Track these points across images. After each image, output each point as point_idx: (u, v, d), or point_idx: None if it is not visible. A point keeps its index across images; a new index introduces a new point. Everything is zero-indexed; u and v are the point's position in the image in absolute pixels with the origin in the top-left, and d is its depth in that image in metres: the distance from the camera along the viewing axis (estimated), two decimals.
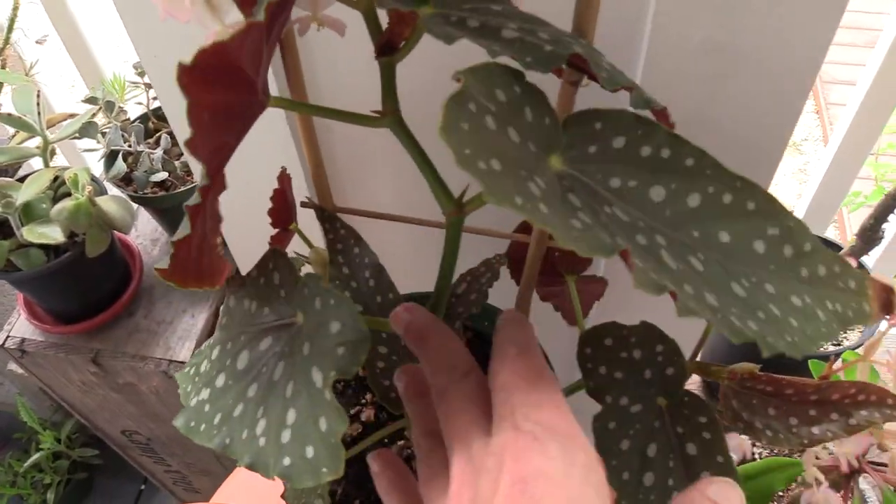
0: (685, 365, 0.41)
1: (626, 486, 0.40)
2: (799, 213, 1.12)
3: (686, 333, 0.44)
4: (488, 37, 0.27)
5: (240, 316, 0.40)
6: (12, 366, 1.13)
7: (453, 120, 0.24)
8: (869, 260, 1.02)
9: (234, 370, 0.39)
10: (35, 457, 1.44)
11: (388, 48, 0.30)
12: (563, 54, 0.28)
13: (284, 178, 0.47)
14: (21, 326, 1.01)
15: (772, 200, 0.33)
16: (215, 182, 0.27)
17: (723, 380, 0.43)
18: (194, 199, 0.27)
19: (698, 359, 0.46)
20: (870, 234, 0.80)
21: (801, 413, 0.43)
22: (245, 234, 0.62)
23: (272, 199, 0.46)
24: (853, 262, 0.83)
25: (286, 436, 0.32)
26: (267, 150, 0.55)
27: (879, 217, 0.77)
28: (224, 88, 0.23)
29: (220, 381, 0.40)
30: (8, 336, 1.00)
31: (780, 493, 0.87)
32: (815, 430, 0.43)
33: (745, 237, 0.32)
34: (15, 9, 0.96)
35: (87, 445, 1.52)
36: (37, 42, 1.19)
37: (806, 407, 0.43)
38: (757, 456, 0.82)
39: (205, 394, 0.40)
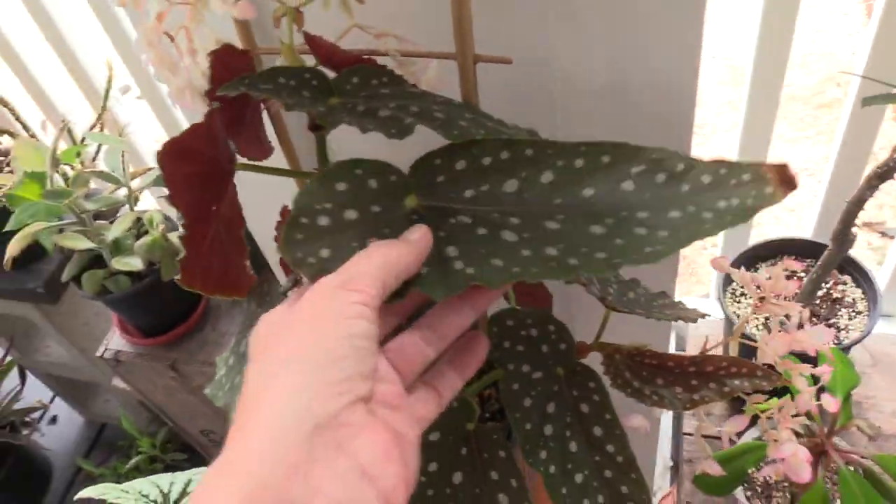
0: (573, 342, 0.52)
1: (529, 434, 0.50)
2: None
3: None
4: (368, 117, 0.40)
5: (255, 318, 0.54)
6: (116, 381, 1.33)
7: (288, 238, 0.34)
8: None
9: (238, 353, 0.53)
10: (134, 460, 1.63)
11: (316, 127, 0.43)
12: (414, 124, 0.39)
13: (285, 211, 0.61)
14: (116, 341, 1.20)
15: (624, 147, 0.39)
16: (194, 226, 0.41)
17: (616, 355, 0.53)
18: (184, 232, 0.41)
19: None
20: (842, 238, 0.87)
21: (684, 383, 0.52)
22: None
23: (280, 214, 0.58)
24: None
25: None
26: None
27: (847, 221, 0.85)
28: (188, 163, 0.37)
29: (231, 361, 0.55)
30: (106, 349, 1.20)
31: (751, 472, 0.94)
32: (696, 396, 0.53)
33: (609, 184, 0.38)
34: (109, 80, 1.16)
35: (178, 451, 1.72)
36: (119, 90, 1.38)
37: (688, 377, 0.52)
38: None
39: (222, 371, 0.54)
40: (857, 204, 0.81)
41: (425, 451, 0.52)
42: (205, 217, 0.42)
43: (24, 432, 1.74)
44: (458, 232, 0.38)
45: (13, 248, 0.96)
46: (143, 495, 0.66)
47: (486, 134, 0.41)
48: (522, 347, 0.51)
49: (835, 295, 1.05)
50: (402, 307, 0.37)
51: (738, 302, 1.07)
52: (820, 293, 1.05)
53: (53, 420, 1.84)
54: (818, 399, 0.52)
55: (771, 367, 0.50)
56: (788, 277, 1.03)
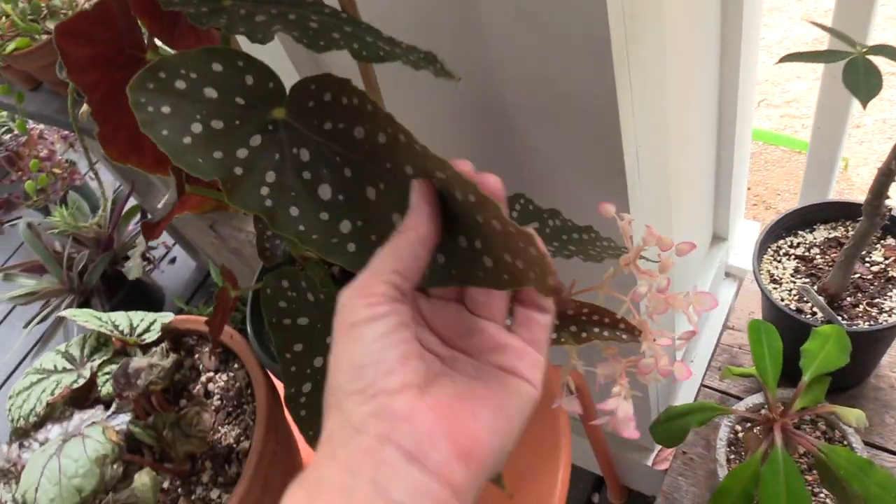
0: None
1: None
2: None
3: None
4: (242, 21, 0.40)
5: None
6: (210, 237, 1.48)
7: (140, 82, 0.37)
8: None
9: None
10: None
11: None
12: (277, 31, 0.40)
13: None
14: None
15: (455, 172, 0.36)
16: (102, 102, 0.45)
17: None
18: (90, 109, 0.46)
19: None
20: (873, 211, 0.77)
21: None
22: None
23: None
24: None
25: None
26: None
27: (878, 193, 0.75)
28: (83, 46, 0.41)
29: None
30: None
31: (696, 430, 0.90)
32: (554, 335, 0.52)
33: (426, 173, 0.37)
34: None
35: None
36: None
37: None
38: None
39: None
40: (887, 175, 0.72)
41: (295, 333, 0.57)
42: (116, 96, 0.46)
43: (147, 267, 1.99)
44: (296, 162, 0.38)
45: None
46: (114, 324, 0.76)
47: (356, 47, 0.42)
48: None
49: (891, 273, 0.94)
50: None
51: (779, 262, 0.99)
52: (875, 268, 0.95)
53: (173, 261, 2.08)
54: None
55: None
56: (832, 245, 0.95)
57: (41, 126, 2.07)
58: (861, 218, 0.79)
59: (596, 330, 0.51)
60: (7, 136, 2.14)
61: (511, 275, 0.33)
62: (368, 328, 0.32)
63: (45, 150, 2.01)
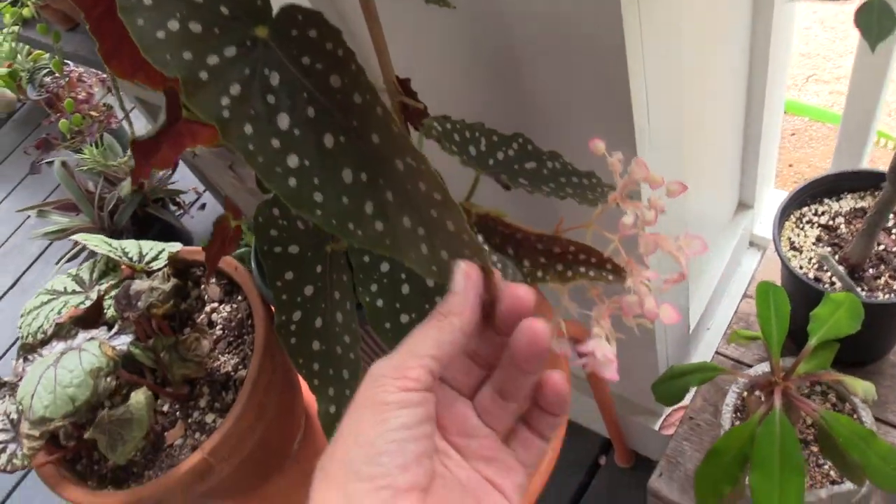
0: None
1: (365, 266, 0.52)
2: None
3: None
4: None
5: None
6: (229, 177, 1.49)
7: None
8: None
9: None
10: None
11: None
12: None
13: None
14: None
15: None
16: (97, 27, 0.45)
17: (471, 216, 0.53)
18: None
19: None
20: None
21: (532, 258, 0.51)
22: None
23: None
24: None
25: None
26: None
27: None
28: None
29: None
30: None
31: (704, 396, 0.89)
32: (540, 273, 0.51)
33: (393, 145, 0.37)
34: None
35: None
36: None
37: (536, 254, 0.51)
38: None
39: None
40: None
41: (285, 261, 0.57)
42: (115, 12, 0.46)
43: (177, 212, 2.02)
44: (264, 84, 0.37)
45: None
46: (124, 251, 0.77)
47: None
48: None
49: None
50: (481, 358, 0.38)
51: (801, 229, 0.96)
52: None
53: (202, 207, 2.10)
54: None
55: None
56: (858, 215, 0.92)
57: (81, 69, 2.10)
58: (885, 184, 0.76)
59: (582, 269, 0.50)
60: (48, 79, 2.18)
61: (441, 271, 0.34)
62: (397, 415, 0.31)
63: (83, 92, 2.04)
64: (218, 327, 0.76)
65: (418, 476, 0.31)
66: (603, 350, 0.47)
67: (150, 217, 1.86)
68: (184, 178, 1.98)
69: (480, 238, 0.53)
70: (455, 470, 0.35)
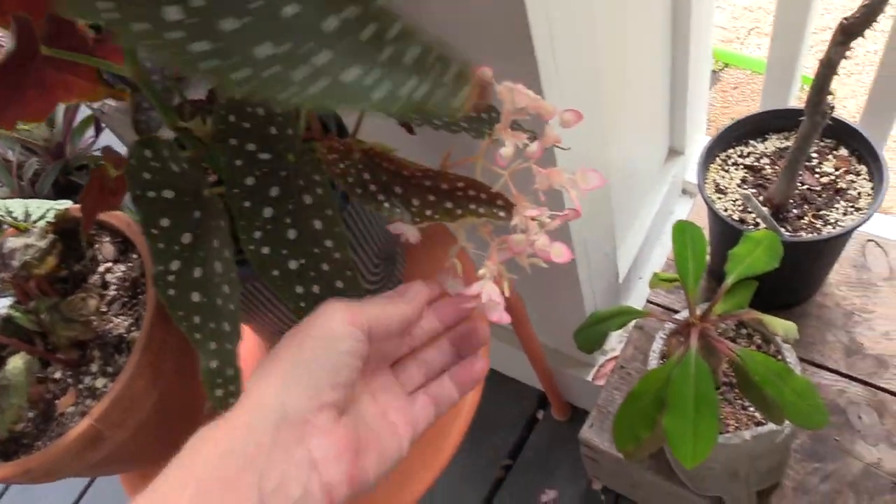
0: (298, 128, 0.48)
1: (246, 211, 0.49)
2: None
3: None
4: None
5: None
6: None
7: None
8: None
9: None
10: None
11: None
12: None
13: None
14: None
15: None
16: None
17: (355, 153, 0.49)
18: None
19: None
20: (814, 108, 0.73)
21: (421, 196, 0.48)
22: None
23: None
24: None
25: None
26: None
27: (819, 88, 0.71)
28: None
29: None
30: None
31: (635, 345, 0.88)
32: (429, 212, 0.48)
33: (315, 12, 0.36)
34: None
35: None
36: None
37: (425, 192, 0.48)
38: None
39: None
40: (828, 67, 0.67)
41: (160, 206, 0.53)
42: None
43: None
44: None
45: None
46: (8, 210, 0.71)
47: None
48: (249, 125, 0.49)
49: (840, 184, 0.90)
50: (412, 338, 0.47)
51: (727, 171, 0.95)
52: (825, 180, 0.91)
53: None
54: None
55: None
56: (783, 156, 0.90)
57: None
58: (803, 118, 0.75)
59: (472, 206, 0.47)
60: None
61: None
62: (344, 342, 0.38)
63: None
64: (112, 287, 0.71)
65: (340, 397, 0.38)
66: (488, 292, 0.44)
67: (73, 185, 1.77)
68: (111, 144, 1.90)
69: (367, 176, 0.49)
70: (366, 410, 0.42)
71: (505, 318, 0.44)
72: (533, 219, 0.44)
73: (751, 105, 1.86)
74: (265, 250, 0.49)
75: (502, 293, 0.44)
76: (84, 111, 1.76)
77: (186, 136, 0.56)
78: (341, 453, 0.37)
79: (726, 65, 1.97)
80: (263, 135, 0.49)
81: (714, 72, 1.95)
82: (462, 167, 0.48)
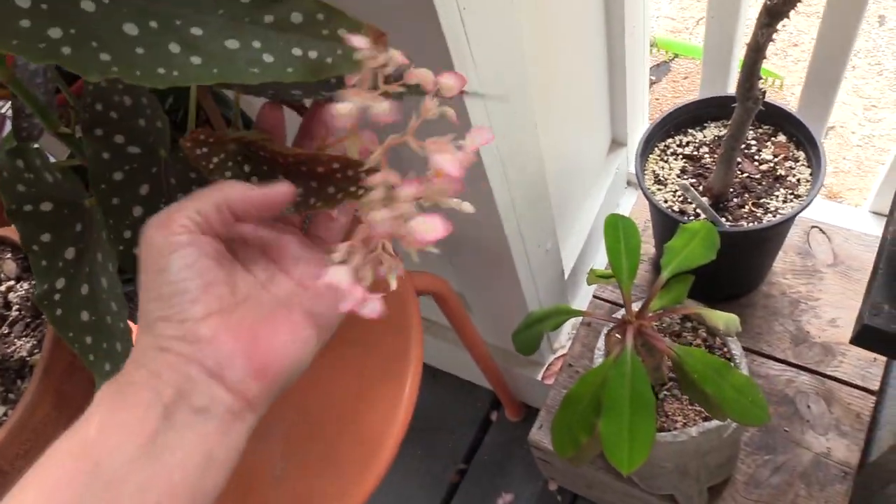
0: (166, 120, 0.44)
1: (114, 209, 0.44)
2: None
3: None
4: None
5: None
6: None
7: None
8: None
9: None
10: None
11: None
12: None
13: None
14: None
15: None
16: None
17: (230, 144, 0.45)
18: None
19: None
20: (745, 94, 0.71)
21: (304, 184, 0.43)
22: None
23: None
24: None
25: None
26: None
27: (749, 73, 0.69)
28: None
29: None
30: None
31: (583, 342, 0.86)
32: (312, 199, 0.43)
33: None
34: None
35: None
36: None
37: (305, 178, 0.43)
38: None
39: None
40: (756, 50, 0.65)
41: (39, 220, 0.49)
42: None
43: None
44: None
45: None
46: None
47: None
48: (116, 115, 0.45)
49: (779, 171, 0.88)
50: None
51: (666, 161, 0.93)
52: (764, 167, 0.89)
53: None
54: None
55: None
56: (719, 144, 0.88)
57: None
58: (735, 105, 0.73)
59: (352, 188, 0.42)
60: None
61: None
62: (172, 259, 0.35)
63: None
64: (14, 308, 0.66)
65: (210, 303, 0.35)
66: (339, 280, 0.35)
67: None
68: None
69: (247, 168, 0.45)
70: (276, 290, 0.39)
71: (371, 313, 0.38)
72: (395, 189, 0.36)
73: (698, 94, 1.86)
74: (136, 251, 0.45)
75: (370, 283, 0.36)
76: None
77: (71, 141, 0.51)
78: (232, 354, 0.35)
79: (676, 55, 1.96)
80: (131, 127, 0.45)
81: (664, 62, 1.95)
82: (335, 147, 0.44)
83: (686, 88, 1.91)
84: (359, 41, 0.34)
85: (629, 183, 1.21)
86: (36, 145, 0.51)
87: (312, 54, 0.36)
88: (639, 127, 1.17)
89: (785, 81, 1.76)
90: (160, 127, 0.44)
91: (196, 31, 0.34)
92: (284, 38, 0.35)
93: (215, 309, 0.35)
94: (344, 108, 0.32)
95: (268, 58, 0.35)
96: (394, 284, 0.37)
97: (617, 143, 1.15)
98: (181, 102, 0.63)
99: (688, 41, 2.00)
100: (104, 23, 0.33)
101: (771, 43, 0.63)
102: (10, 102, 0.67)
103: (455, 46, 0.56)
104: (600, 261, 1.17)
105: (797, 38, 1.86)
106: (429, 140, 0.37)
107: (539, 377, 1.09)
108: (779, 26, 0.61)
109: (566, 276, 1.05)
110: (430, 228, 0.35)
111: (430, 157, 0.35)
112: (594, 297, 1.06)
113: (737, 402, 0.63)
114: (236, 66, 0.34)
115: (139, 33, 0.33)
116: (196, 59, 0.34)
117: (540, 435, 0.97)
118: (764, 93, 0.70)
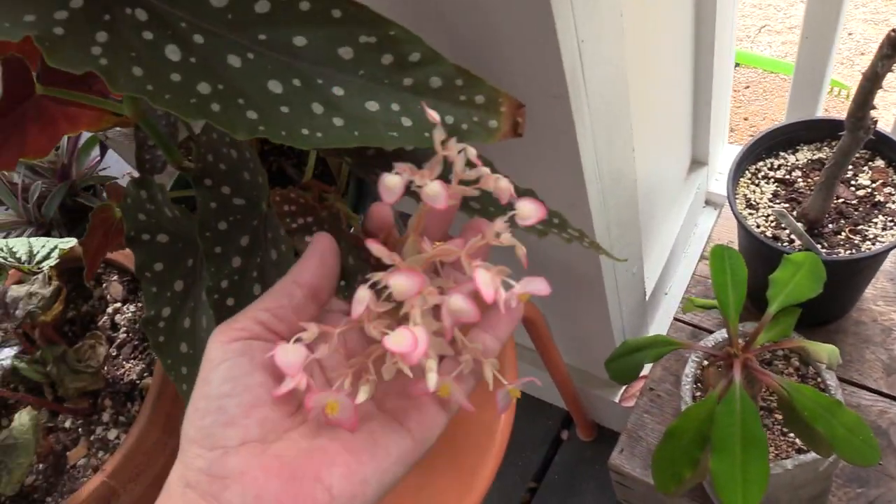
0: (265, 175, 0.45)
1: (217, 258, 0.45)
2: None
3: None
4: None
5: None
6: None
7: None
8: None
9: None
10: None
11: None
12: None
13: None
14: None
15: (363, 9, 0.35)
16: None
17: (321, 211, 0.45)
18: None
19: None
20: (857, 123, 0.69)
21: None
22: None
23: None
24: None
25: None
26: None
27: (862, 102, 0.67)
28: None
29: None
30: None
31: (664, 366, 0.84)
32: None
33: (326, 42, 0.34)
34: None
35: None
36: None
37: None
38: None
39: None
40: (872, 80, 0.63)
41: (154, 250, 0.50)
42: None
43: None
44: (134, 22, 0.33)
45: None
46: (11, 252, 0.68)
47: None
48: (225, 167, 0.45)
49: (878, 198, 0.86)
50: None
51: (757, 185, 0.91)
52: (861, 193, 0.87)
53: None
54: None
55: None
56: (815, 168, 0.86)
57: None
58: (843, 133, 0.71)
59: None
60: None
61: None
62: (217, 371, 0.30)
63: None
64: (122, 330, 0.68)
65: (249, 430, 0.30)
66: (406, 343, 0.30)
67: (81, 207, 1.74)
68: (117, 163, 1.87)
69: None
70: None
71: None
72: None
73: (763, 104, 1.82)
74: (230, 302, 0.45)
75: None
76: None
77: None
78: (262, 495, 0.29)
79: (737, 64, 1.93)
80: (238, 179, 0.45)
81: None
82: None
83: (748, 98, 1.87)
84: (499, 110, 0.34)
85: (707, 202, 1.19)
86: (158, 181, 0.52)
87: (449, 119, 0.35)
88: (719, 146, 1.15)
89: (851, 92, 1.72)
90: (261, 182, 0.45)
91: (338, 90, 0.34)
92: (419, 102, 0.35)
93: (254, 437, 0.30)
94: (392, 181, 0.30)
95: (406, 121, 0.34)
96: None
97: (697, 162, 1.14)
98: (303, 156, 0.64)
99: (749, 50, 1.96)
100: (249, 79, 0.34)
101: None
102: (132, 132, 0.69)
103: (571, 78, 0.56)
104: (679, 279, 1.16)
105: (864, 46, 1.81)
106: (479, 263, 0.31)
107: (616, 399, 1.08)
108: (846, 34, 0.59)
109: (647, 297, 1.03)
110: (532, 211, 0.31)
111: (475, 275, 0.30)
112: (676, 319, 1.04)
113: (848, 441, 0.62)
114: (376, 129, 0.34)
115: (283, 91, 0.34)
116: (338, 121, 0.34)
117: (621, 459, 0.96)
118: (875, 122, 0.68)
